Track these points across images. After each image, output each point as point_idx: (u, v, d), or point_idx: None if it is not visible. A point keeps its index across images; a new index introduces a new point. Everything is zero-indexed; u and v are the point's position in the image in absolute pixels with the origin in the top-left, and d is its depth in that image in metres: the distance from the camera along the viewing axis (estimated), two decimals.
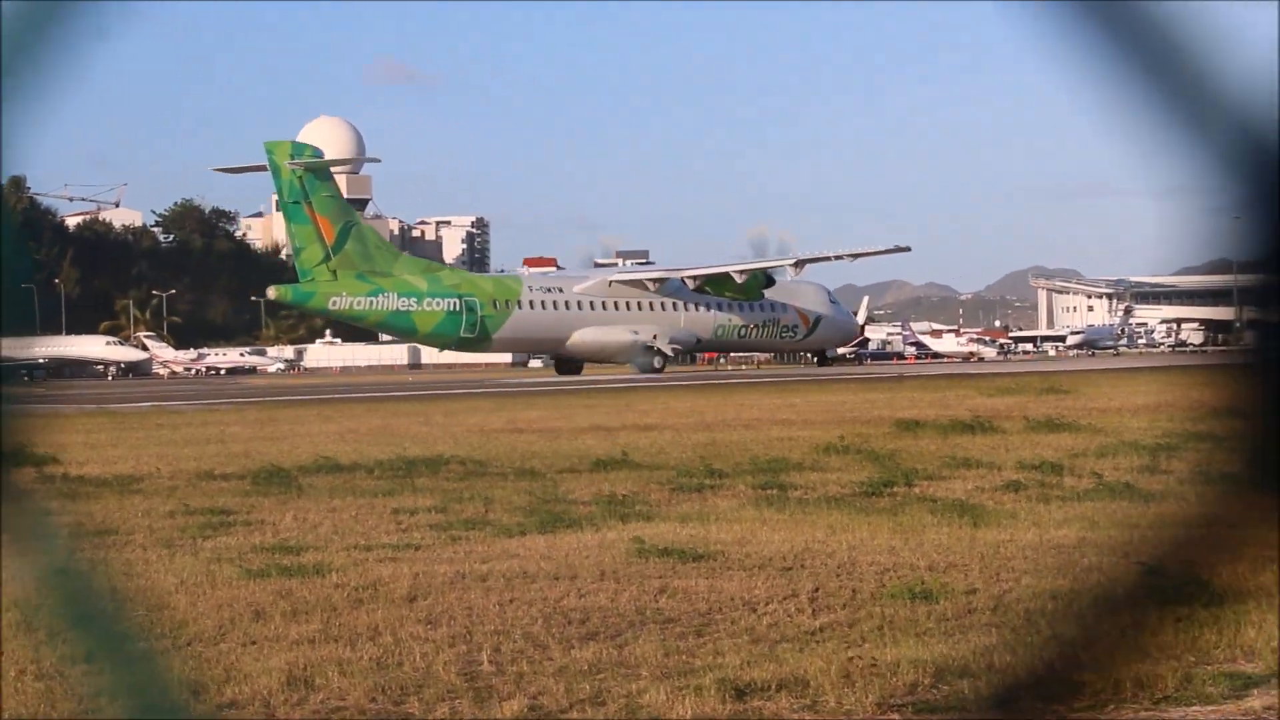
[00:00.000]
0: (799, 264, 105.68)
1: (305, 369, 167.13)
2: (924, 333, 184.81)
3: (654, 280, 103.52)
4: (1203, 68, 2.10)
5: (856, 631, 12.25)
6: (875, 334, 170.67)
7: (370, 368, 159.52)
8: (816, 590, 14.05)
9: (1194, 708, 9.71)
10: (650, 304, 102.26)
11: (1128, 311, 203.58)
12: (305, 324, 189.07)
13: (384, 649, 11.72)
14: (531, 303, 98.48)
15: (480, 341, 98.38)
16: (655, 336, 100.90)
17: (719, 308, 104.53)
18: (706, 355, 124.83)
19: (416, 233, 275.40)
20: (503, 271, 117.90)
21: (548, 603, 13.69)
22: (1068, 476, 24.07)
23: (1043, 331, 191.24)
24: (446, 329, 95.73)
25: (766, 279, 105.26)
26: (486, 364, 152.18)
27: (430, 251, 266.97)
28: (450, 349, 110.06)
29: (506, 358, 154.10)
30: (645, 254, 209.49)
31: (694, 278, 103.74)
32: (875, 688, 10.19)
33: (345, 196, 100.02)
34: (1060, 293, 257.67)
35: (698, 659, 11.29)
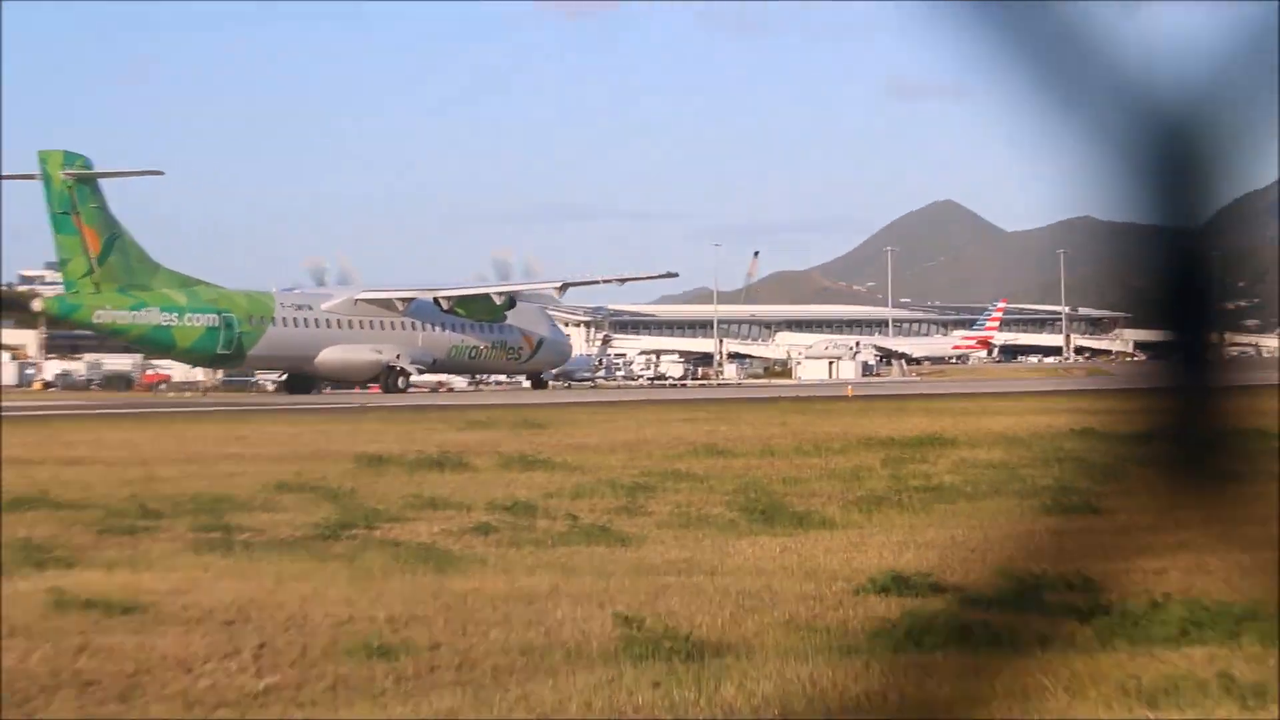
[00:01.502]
0: (564, 287, 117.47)
1: None
2: None
3: (403, 300, 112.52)
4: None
5: (306, 693, 11.98)
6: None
7: None
8: (262, 647, 13.69)
9: None
10: (393, 323, 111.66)
11: (606, 341, 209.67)
12: None
13: None
14: (285, 319, 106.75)
15: (235, 358, 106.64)
16: (398, 356, 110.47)
17: (454, 328, 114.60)
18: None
19: None
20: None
21: None
22: (541, 518, 24.40)
23: None
24: (205, 345, 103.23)
25: (509, 301, 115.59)
26: None
27: None
28: (204, 365, 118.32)
29: None
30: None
31: (448, 298, 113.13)
32: None
33: None
34: None
35: None
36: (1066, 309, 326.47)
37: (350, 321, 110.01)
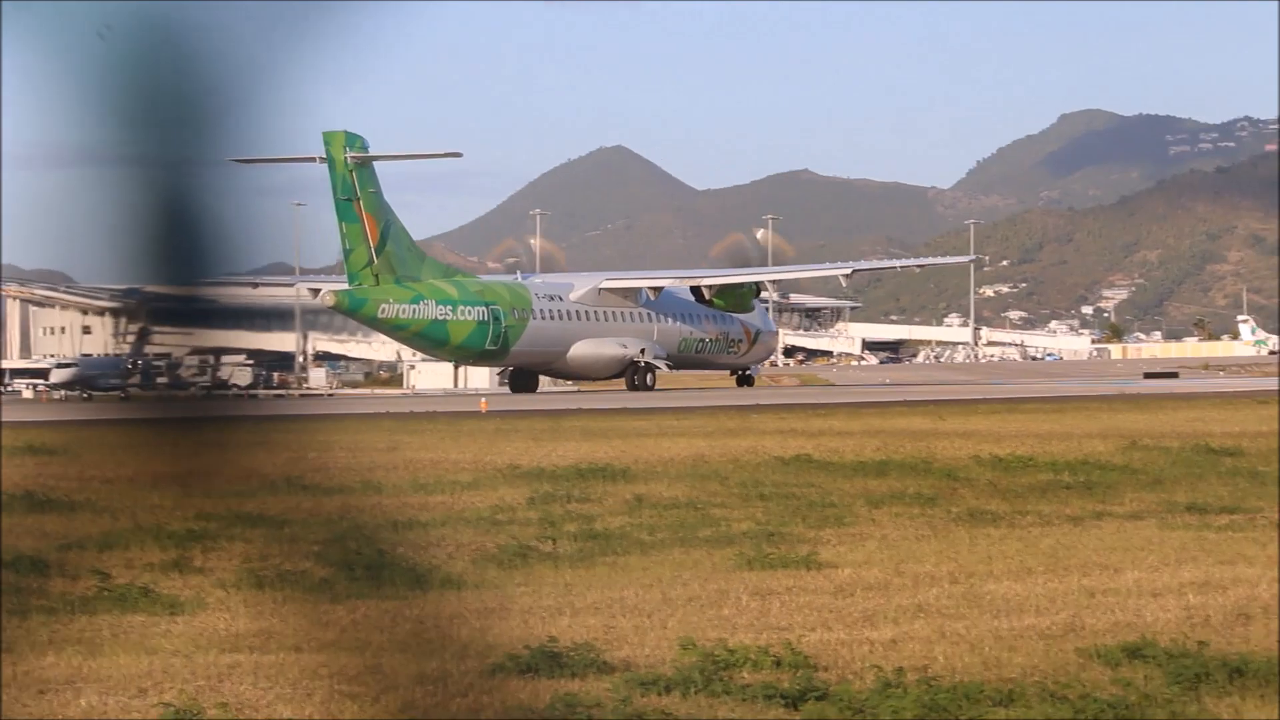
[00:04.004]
0: (853, 273, 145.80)
1: None
2: None
3: (654, 289, 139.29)
4: None
5: None
6: None
7: None
8: None
9: None
10: (632, 314, 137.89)
11: (143, 335, 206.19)
12: None
13: None
14: (542, 312, 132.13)
15: (500, 354, 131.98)
16: (643, 350, 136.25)
17: (684, 319, 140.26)
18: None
19: None
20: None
21: None
22: (56, 577, 24.23)
23: (14, 362, 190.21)
24: (476, 341, 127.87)
25: (759, 290, 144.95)
26: None
27: None
28: (471, 362, 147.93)
29: None
30: None
31: (710, 287, 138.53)
32: None
33: None
34: (44, 305, 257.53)
35: None
36: (775, 296, 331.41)
37: (596, 313, 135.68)
